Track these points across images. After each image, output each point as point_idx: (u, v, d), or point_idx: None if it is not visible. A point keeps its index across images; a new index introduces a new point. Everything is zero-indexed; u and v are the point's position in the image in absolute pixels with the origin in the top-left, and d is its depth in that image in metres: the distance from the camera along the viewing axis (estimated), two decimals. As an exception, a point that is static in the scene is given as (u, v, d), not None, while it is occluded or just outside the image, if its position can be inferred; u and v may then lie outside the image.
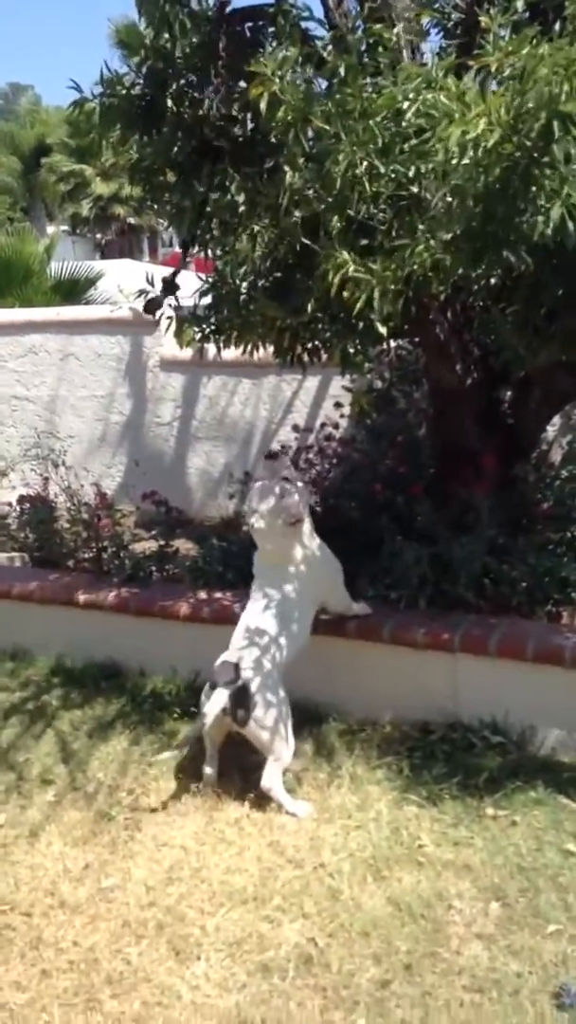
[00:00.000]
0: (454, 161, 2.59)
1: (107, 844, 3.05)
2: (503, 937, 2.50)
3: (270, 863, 2.87)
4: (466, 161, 2.59)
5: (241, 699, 3.10)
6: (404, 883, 2.73)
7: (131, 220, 31.64)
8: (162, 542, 4.54)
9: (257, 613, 3.34)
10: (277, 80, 2.76)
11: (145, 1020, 2.33)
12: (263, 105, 2.78)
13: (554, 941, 2.47)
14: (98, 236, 32.81)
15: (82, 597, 4.31)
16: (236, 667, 3.15)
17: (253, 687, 3.13)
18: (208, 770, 3.24)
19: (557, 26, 2.84)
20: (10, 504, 5.29)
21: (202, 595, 4.11)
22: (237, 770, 3.31)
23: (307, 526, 3.45)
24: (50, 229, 25.78)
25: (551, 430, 4.47)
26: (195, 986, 2.42)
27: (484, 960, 2.42)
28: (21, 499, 5.18)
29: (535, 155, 2.55)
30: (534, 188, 2.57)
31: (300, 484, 3.47)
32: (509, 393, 4.14)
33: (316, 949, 2.51)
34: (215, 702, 3.08)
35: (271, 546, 3.41)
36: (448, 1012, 2.27)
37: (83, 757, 3.58)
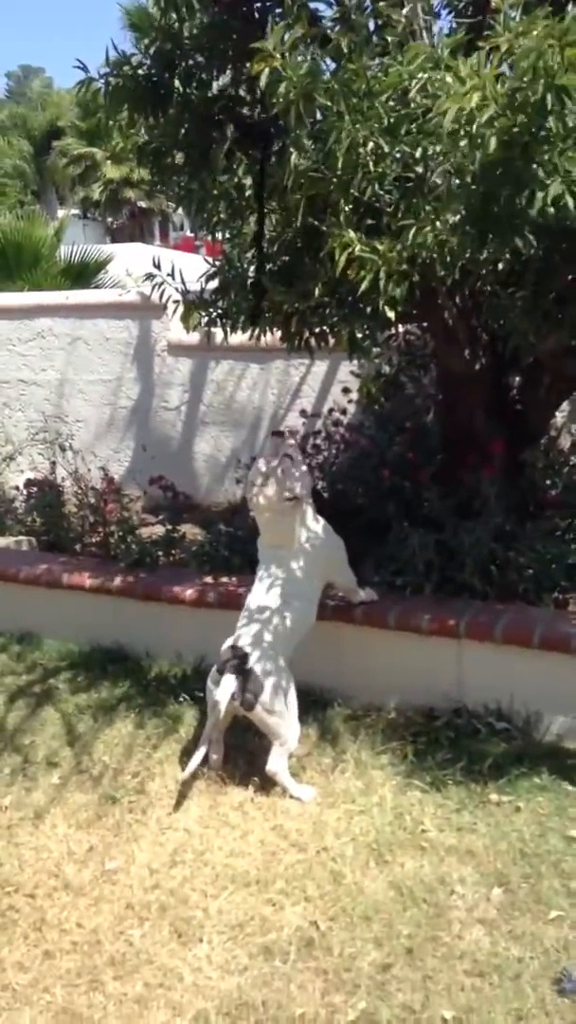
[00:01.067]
0: (456, 139, 2.55)
1: (111, 827, 3.06)
2: (505, 922, 2.51)
3: (273, 847, 2.88)
4: (463, 139, 2.55)
5: (248, 683, 3.10)
6: (407, 868, 2.74)
7: (142, 204, 31.53)
8: (169, 527, 4.55)
9: (262, 593, 3.33)
10: (279, 57, 2.73)
11: (147, 1001, 2.34)
12: (263, 81, 2.75)
13: (556, 927, 2.48)
14: (109, 220, 32.73)
15: (89, 581, 4.32)
16: (242, 651, 3.15)
17: (259, 670, 3.12)
18: (213, 755, 3.24)
19: (570, 7, 2.80)
20: (17, 488, 5.31)
21: (208, 580, 4.11)
22: (241, 754, 3.31)
23: (309, 508, 3.42)
24: (61, 212, 25.73)
25: (560, 416, 4.44)
26: (197, 968, 2.43)
27: (485, 945, 2.43)
28: (28, 483, 5.20)
29: (533, 130, 2.51)
30: (535, 164, 2.53)
31: (303, 464, 3.41)
32: (518, 379, 4.12)
33: (318, 932, 2.51)
34: (224, 689, 3.07)
35: (271, 524, 3.38)
36: (449, 996, 2.28)
37: (88, 740, 3.60)
